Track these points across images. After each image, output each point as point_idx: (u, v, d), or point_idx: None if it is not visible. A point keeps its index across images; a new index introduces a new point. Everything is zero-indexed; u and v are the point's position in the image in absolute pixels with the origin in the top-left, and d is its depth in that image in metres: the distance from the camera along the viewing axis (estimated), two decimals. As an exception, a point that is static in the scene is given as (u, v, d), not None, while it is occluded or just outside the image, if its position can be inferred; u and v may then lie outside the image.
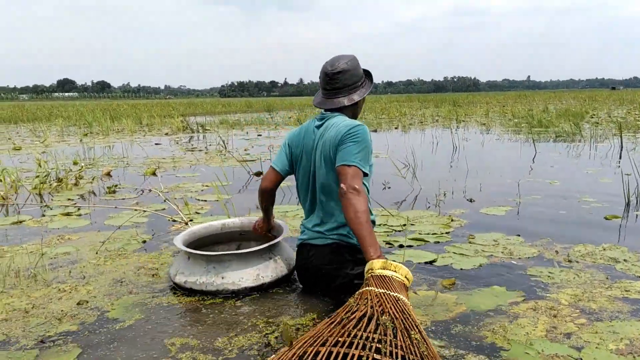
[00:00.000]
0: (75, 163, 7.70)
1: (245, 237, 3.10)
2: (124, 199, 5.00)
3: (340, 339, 1.44)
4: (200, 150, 9.44)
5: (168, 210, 4.36)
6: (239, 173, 6.55)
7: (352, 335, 1.45)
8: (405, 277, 1.91)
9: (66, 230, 3.87)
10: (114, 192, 5.31)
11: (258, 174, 6.43)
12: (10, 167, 6.92)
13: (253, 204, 4.61)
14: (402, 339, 1.47)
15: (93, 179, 6.07)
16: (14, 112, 24.78)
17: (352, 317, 1.57)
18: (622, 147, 8.20)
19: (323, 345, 1.42)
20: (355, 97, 2.45)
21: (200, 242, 2.95)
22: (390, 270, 1.88)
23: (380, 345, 1.41)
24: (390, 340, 1.45)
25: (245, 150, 9.38)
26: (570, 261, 3.03)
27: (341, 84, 2.42)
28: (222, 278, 2.49)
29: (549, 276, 2.79)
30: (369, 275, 1.88)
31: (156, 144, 10.89)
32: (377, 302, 1.66)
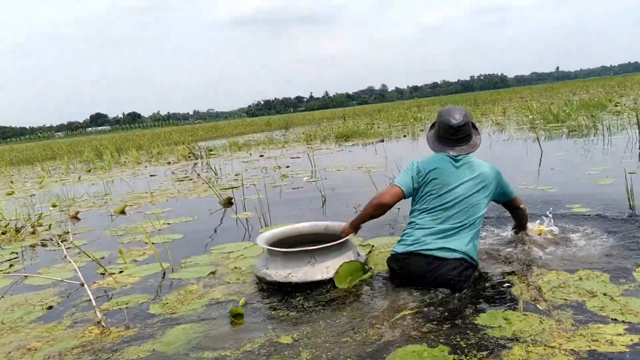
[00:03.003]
0: (53, 206, 7.41)
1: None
2: (69, 247, 4.59)
3: None
4: (190, 179, 9.07)
5: (88, 266, 3.90)
6: (212, 205, 6.10)
7: None
8: None
9: (-24, 296, 3.47)
10: (64, 240, 4.92)
11: (226, 202, 5.97)
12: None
13: (197, 246, 4.17)
14: None
15: (50, 226, 5.70)
16: (33, 153, 25.11)
17: None
18: None
19: None
20: (478, 141, 3.01)
21: (305, 239, 3.40)
22: None
23: None
24: None
25: (236, 175, 8.96)
26: (535, 300, 2.45)
27: (464, 134, 2.93)
28: (267, 269, 2.97)
29: (500, 327, 2.21)
30: None
31: (151, 175, 10.58)
32: None
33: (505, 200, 3.12)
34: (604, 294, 2.40)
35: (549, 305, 2.37)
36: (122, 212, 6.26)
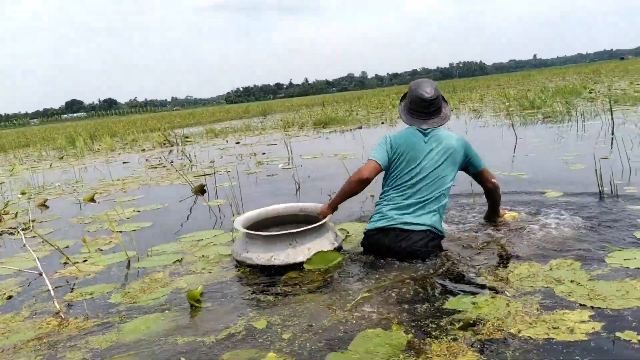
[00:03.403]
0: (22, 193, 7.22)
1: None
2: (34, 236, 4.46)
3: None
4: (163, 167, 8.91)
5: (51, 255, 3.80)
6: (184, 192, 5.99)
7: None
8: None
9: None
10: (27, 229, 4.78)
11: (198, 189, 5.87)
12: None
13: (166, 234, 4.06)
14: None
15: (16, 214, 5.54)
16: (6, 141, 24.50)
17: None
18: (612, 125, 7.51)
19: None
20: (448, 112, 3.11)
21: (280, 220, 3.52)
22: None
23: None
24: None
25: (211, 162, 8.83)
26: (503, 286, 2.42)
27: (436, 107, 3.02)
28: (247, 252, 2.98)
29: (466, 310, 2.19)
30: None
31: (124, 162, 10.39)
32: None
33: (475, 172, 3.16)
34: (571, 281, 2.37)
35: (518, 291, 2.34)
36: (92, 200, 6.11)
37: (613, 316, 2.01)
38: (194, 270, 3.10)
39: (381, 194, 3.06)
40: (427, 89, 3.00)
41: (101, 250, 3.81)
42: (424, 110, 3.00)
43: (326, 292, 2.57)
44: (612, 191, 3.86)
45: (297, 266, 2.91)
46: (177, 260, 3.30)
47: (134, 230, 4.30)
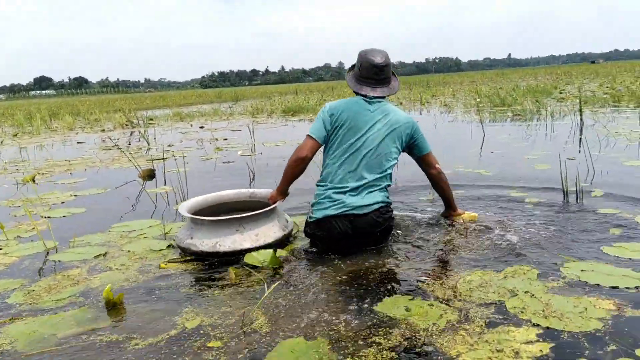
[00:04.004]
0: (-41, 171, 6.72)
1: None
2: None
3: None
4: (118, 148, 8.47)
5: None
6: (132, 176, 5.61)
7: None
8: None
9: None
10: (-50, 210, 4.36)
11: (147, 174, 5.49)
12: None
13: (97, 223, 3.70)
14: None
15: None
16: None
17: None
18: (581, 126, 7.38)
19: None
20: (397, 86, 2.93)
21: (230, 207, 3.33)
22: None
23: None
24: None
25: (169, 145, 8.43)
26: (449, 296, 2.16)
27: (385, 75, 2.84)
28: (192, 238, 2.78)
29: (406, 322, 1.92)
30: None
31: (78, 142, 9.89)
32: None
33: (420, 155, 2.97)
34: (525, 292, 2.13)
35: (465, 302, 2.08)
36: (32, 181, 5.68)
37: (567, 340, 1.77)
38: (112, 266, 2.76)
39: (323, 169, 2.85)
40: (378, 56, 2.83)
41: (21, 238, 3.43)
42: (373, 76, 2.82)
43: (259, 293, 2.28)
44: (577, 193, 3.65)
45: (241, 257, 2.69)
46: (100, 254, 2.96)
47: (64, 216, 3.93)
